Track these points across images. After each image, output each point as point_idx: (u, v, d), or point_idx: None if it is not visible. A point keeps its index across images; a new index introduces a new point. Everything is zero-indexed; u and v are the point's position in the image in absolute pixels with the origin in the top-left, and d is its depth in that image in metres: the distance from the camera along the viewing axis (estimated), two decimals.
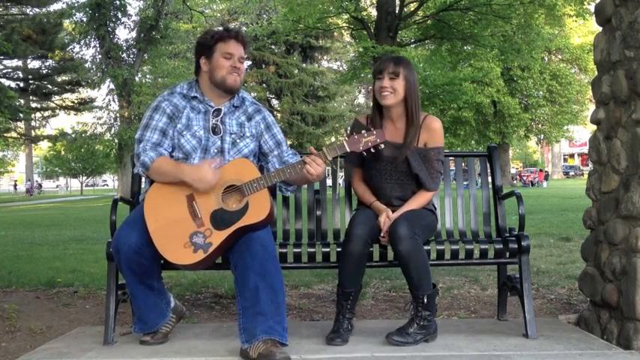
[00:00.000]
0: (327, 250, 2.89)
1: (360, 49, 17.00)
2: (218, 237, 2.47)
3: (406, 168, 2.82)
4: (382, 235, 2.72)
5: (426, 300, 2.67)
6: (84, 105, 28.05)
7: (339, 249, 2.79)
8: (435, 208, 3.00)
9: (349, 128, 2.96)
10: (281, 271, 2.55)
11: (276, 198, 3.17)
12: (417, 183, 2.85)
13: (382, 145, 2.62)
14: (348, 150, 2.59)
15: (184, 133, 2.67)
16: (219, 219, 2.49)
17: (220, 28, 2.75)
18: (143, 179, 2.93)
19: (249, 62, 32.76)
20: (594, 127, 3.13)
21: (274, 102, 33.39)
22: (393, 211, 2.82)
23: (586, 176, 3.62)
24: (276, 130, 2.84)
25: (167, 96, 2.76)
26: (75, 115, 29.92)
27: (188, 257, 2.46)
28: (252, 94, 30.52)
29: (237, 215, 2.49)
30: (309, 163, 2.55)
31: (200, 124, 2.70)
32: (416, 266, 2.61)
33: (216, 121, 2.71)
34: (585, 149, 13.94)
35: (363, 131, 2.62)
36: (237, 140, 2.72)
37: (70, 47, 24.80)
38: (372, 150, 2.61)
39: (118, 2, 22.03)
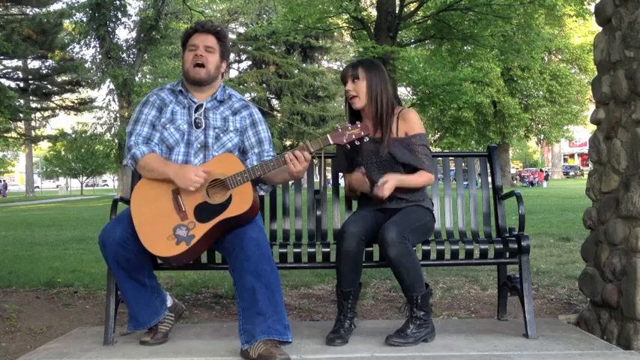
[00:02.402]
0: (327, 250, 2.89)
1: (360, 49, 16.98)
2: (201, 229, 2.49)
3: (392, 159, 2.85)
4: (378, 184, 2.73)
5: (419, 301, 2.68)
6: (84, 105, 28.03)
7: None
8: (433, 206, 3.00)
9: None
10: (277, 269, 2.55)
11: (276, 198, 3.17)
12: (407, 172, 2.86)
13: (367, 138, 2.61)
14: (332, 142, 2.58)
15: (168, 126, 2.71)
16: (203, 212, 2.51)
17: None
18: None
19: (249, 62, 32.79)
20: (594, 127, 3.13)
21: (274, 102, 33.39)
22: (390, 212, 2.83)
23: (586, 176, 3.62)
24: (261, 128, 2.82)
25: (156, 91, 2.83)
26: (75, 115, 29.89)
27: (171, 249, 2.48)
28: (252, 94, 30.56)
29: (220, 208, 2.50)
30: (292, 159, 2.54)
31: (184, 118, 2.73)
32: (406, 270, 2.62)
33: (198, 115, 2.73)
34: (585, 149, 13.95)
35: (348, 125, 2.62)
36: (221, 134, 2.73)
37: (70, 47, 24.81)
38: (357, 143, 2.60)
39: (118, 2, 22.04)
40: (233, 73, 32.99)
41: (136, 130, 2.72)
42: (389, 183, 2.75)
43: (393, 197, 2.85)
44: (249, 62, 33.36)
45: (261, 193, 2.83)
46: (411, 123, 2.88)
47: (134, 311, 2.70)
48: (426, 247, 2.85)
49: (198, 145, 2.70)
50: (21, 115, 23.03)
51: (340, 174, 3.23)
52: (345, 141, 2.58)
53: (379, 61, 3.03)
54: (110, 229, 2.56)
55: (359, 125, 2.60)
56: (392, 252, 2.59)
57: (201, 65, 2.72)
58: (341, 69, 32.14)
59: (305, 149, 2.56)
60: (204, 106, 2.76)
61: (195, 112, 2.75)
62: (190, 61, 2.73)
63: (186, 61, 2.74)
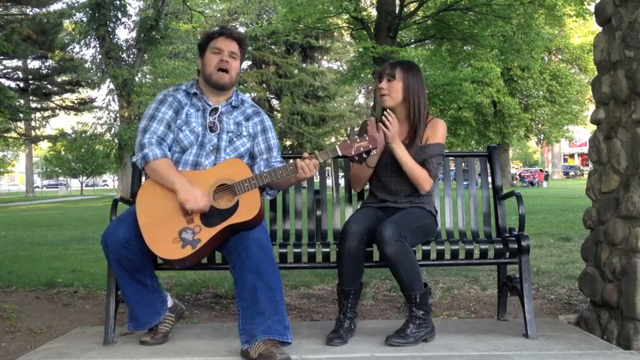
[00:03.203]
0: (327, 250, 2.89)
1: (360, 49, 16.99)
2: (207, 234, 2.49)
3: None
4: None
5: (418, 300, 2.68)
6: (84, 105, 28.00)
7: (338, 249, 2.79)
8: (437, 212, 3.00)
9: (357, 129, 3.02)
10: (279, 270, 2.56)
11: (276, 198, 3.17)
12: None
13: (374, 152, 2.65)
14: (340, 153, 2.62)
15: (183, 128, 2.71)
16: (210, 216, 2.51)
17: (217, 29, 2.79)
18: (143, 178, 2.93)
19: (249, 62, 32.79)
20: (594, 127, 3.13)
21: (274, 102, 33.37)
22: (392, 211, 2.84)
23: (586, 176, 3.62)
24: (271, 135, 2.85)
25: (172, 92, 2.80)
26: (75, 115, 29.88)
27: (176, 252, 2.47)
28: (252, 94, 30.55)
29: (226, 213, 2.51)
30: (302, 167, 2.57)
31: (199, 120, 2.73)
32: (404, 268, 2.62)
33: (213, 119, 2.74)
34: (585, 149, 13.96)
35: (357, 137, 2.65)
36: (234, 139, 2.75)
37: (70, 47, 24.78)
38: (364, 155, 2.64)
39: (118, 2, 22.05)
40: None
41: (152, 127, 2.68)
42: (396, 136, 2.76)
43: (402, 192, 2.87)
44: (249, 62, 33.34)
45: (268, 197, 2.86)
46: (436, 131, 2.89)
47: (135, 311, 2.69)
48: (426, 247, 2.85)
49: (211, 148, 2.70)
50: (21, 115, 23.00)
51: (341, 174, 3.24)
52: (352, 153, 2.62)
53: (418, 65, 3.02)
54: (113, 229, 2.55)
55: (367, 138, 2.63)
56: (389, 250, 2.59)
57: (225, 71, 2.73)
58: (341, 69, 32.26)
59: (314, 159, 2.59)
60: (219, 110, 2.77)
61: (210, 115, 2.75)
62: (215, 64, 2.72)
63: (210, 64, 2.72)
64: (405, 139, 2.89)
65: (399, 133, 2.88)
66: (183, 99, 2.77)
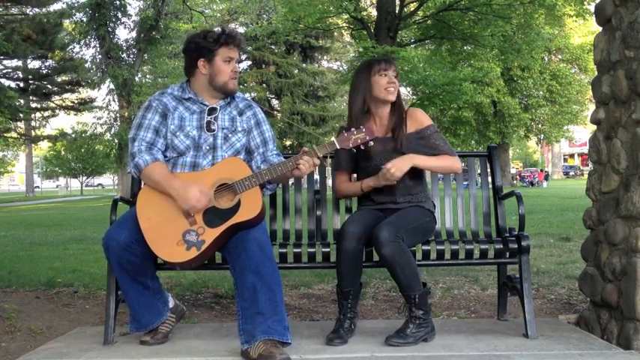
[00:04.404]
0: (327, 250, 2.89)
1: (360, 49, 16.96)
2: (211, 235, 2.49)
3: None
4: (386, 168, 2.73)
5: (417, 300, 2.68)
6: (84, 105, 28.00)
7: None
8: (435, 207, 3.00)
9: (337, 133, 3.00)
10: (278, 270, 2.56)
11: (276, 198, 3.18)
12: (413, 174, 2.85)
13: (372, 143, 2.64)
14: (338, 147, 2.61)
15: (178, 133, 2.69)
16: (212, 217, 2.51)
17: (218, 29, 2.75)
18: None
19: (249, 62, 32.82)
20: (594, 127, 3.13)
21: (274, 102, 33.37)
22: (391, 211, 2.83)
23: (586, 176, 3.63)
24: (266, 128, 2.85)
25: (157, 96, 2.79)
26: (75, 115, 29.89)
27: (181, 255, 2.47)
28: (252, 94, 30.55)
29: (229, 213, 2.51)
30: (302, 164, 2.57)
31: (193, 124, 2.71)
32: (401, 268, 2.62)
33: (210, 118, 2.73)
34: (585, 149, 13.95)
35: (353, 129, 2.64)
36: (230, 135, 2.74)
37: (70, 47, 24.80)
38: (362, 147, 2.64)
39: (118, 2, 22.05)
40: None
41: (139, 135, 2.68)
42: (400, 164, 2.74)
43: (400, 191, 2.86)
44: (249, 62, 33.35)
45: (267, 192, 2.86)
46: (419, 119, 2.92)
47: (137, 313, 2.69)
48: (426, 247, 2.86)
49: (207, 147, 2.70)
50: (21, 115, 22.96)
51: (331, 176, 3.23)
52: (350, 145, 2.62)
53: None
54: (114, 233, 2.54)
55: (364, 129, 2.63)
56: (385, 251, 2.59)
57: (236, 79, 2.77)
58: (341, 69, 32.28)
59: (313, 155, 2.59)
60: (217, 110, 2.76)
61: (209, 115, 2.74)
62: (229, 74, 2.72)
63: (224, 72, 2.71)
64: (393, 131, 2.90)
65: (383, 131, 2.90)
66: (170, 102, 2.75)
